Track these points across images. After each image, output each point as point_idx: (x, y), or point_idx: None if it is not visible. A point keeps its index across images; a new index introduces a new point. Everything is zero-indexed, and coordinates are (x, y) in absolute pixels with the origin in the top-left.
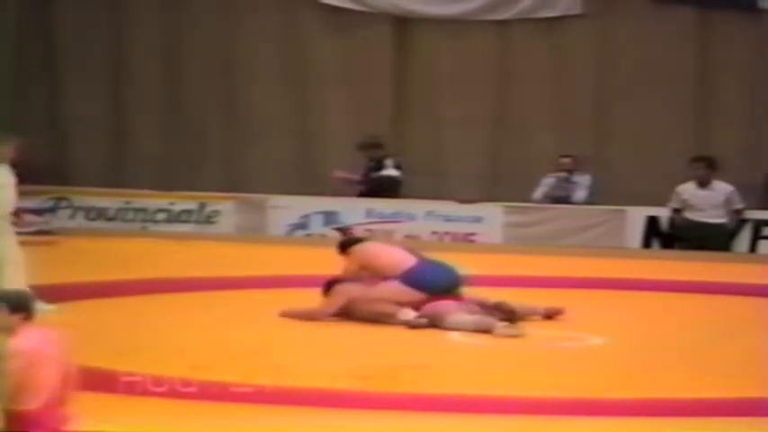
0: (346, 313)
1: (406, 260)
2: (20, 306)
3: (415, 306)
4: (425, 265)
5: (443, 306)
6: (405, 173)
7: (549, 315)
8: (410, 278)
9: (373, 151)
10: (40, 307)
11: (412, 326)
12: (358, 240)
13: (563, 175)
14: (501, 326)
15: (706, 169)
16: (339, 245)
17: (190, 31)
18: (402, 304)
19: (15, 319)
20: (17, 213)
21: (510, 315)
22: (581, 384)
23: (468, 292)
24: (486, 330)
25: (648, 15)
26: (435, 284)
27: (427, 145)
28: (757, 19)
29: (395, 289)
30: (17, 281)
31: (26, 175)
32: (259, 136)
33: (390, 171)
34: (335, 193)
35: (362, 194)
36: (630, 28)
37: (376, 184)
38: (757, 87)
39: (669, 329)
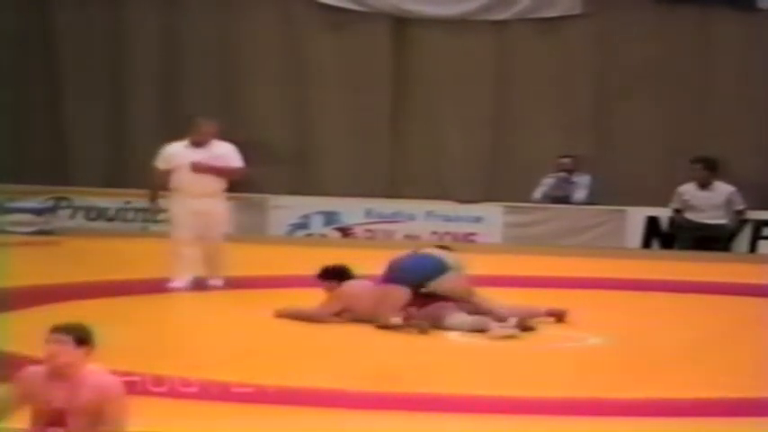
0: (347, 313)
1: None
2: (85, 340)
3: (416, 305)
4: (401, 260)
5: (442, 307)
6: None
7: (553, 316)
8: (390, 279)
9: None
10: (213, 283)
11: (385, 326)
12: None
13: (563, 175)
14: (496, 326)
15: (704, 170)
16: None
17: (189, 31)
18: (401, 308)
19: (79, 353)
20: None
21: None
22: (581, 384)
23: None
24: (483, 330)
25: (648, 15)
26: (416, 273)
27: (427, 145)
28: (756, 18)
29: (388, 292)
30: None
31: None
32: (258, 135)
33: None
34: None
35: None
36: (630, 28)
37: None
38: (757, 87)
39: (669, 329)
